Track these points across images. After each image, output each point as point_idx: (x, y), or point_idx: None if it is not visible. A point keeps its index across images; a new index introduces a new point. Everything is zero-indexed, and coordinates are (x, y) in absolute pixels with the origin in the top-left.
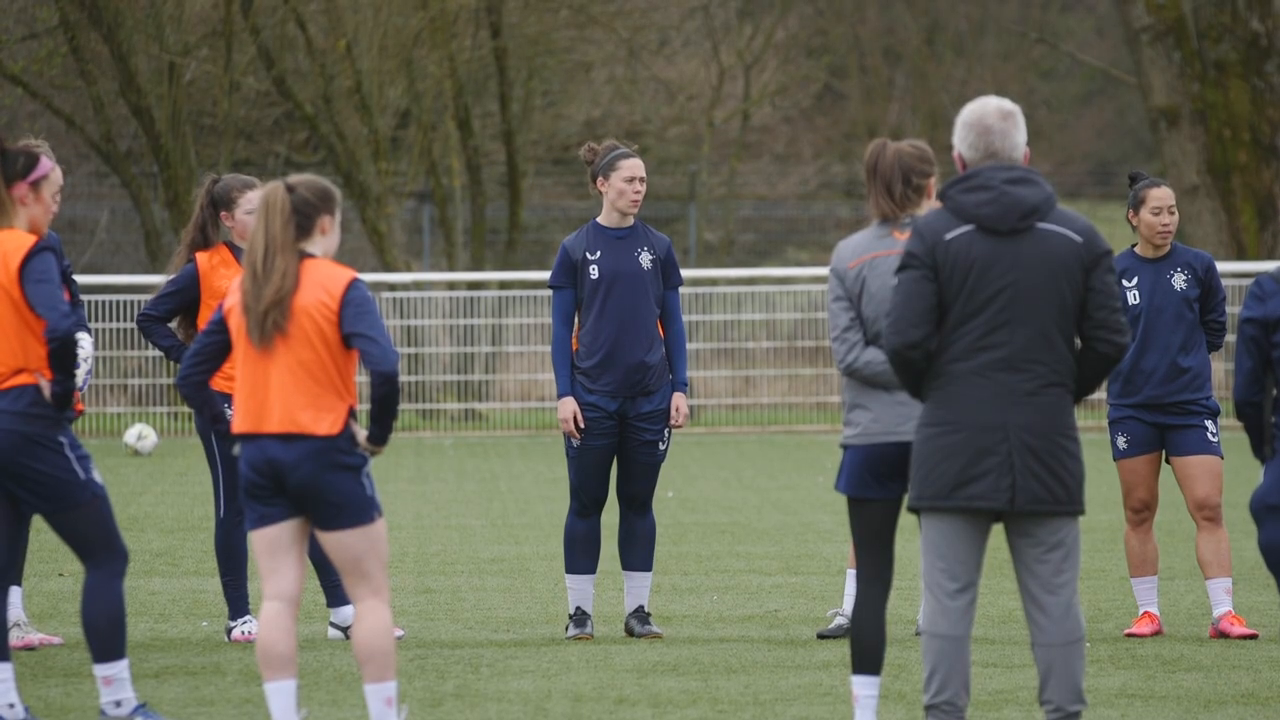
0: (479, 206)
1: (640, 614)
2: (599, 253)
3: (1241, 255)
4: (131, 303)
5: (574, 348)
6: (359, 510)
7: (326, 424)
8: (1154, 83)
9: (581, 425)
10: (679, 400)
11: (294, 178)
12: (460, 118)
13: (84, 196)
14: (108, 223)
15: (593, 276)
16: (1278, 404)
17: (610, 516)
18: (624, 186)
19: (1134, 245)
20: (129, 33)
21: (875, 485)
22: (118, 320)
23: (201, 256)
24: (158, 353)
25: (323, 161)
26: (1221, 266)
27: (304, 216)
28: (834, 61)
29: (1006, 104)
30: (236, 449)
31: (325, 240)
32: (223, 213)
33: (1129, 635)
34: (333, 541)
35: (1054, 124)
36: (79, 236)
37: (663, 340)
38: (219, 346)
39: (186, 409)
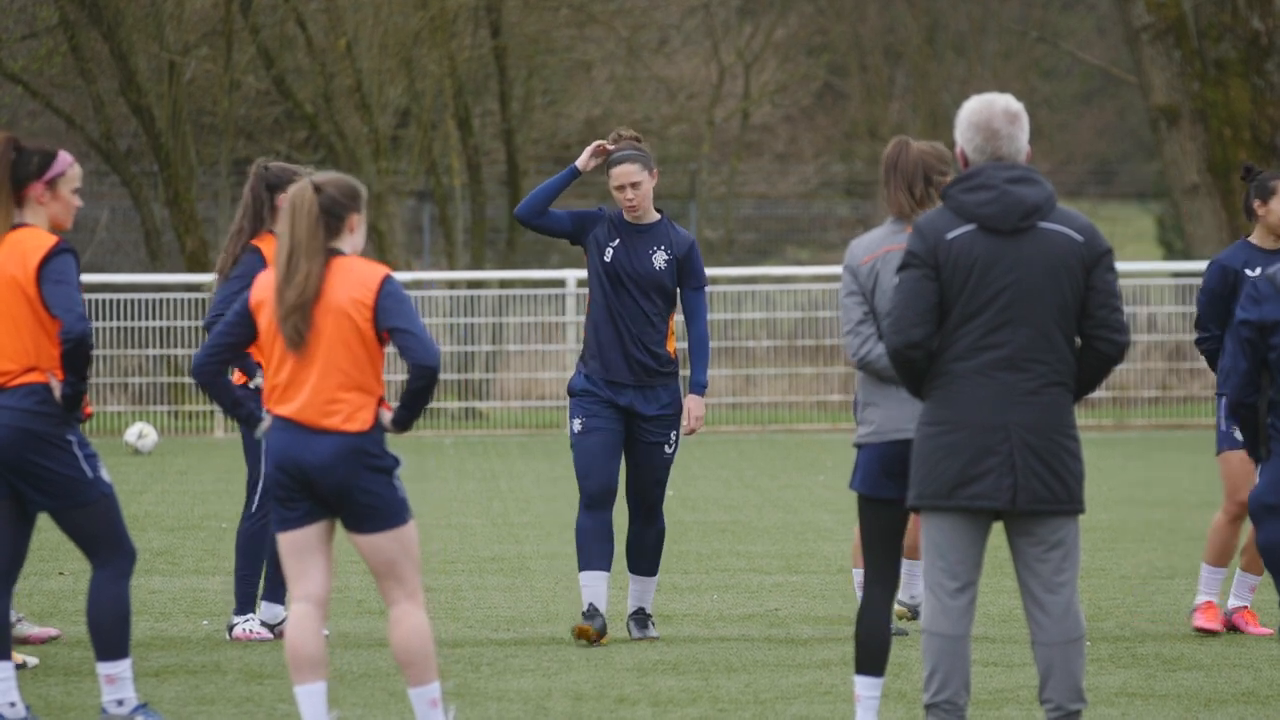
0: (479, 205)
1: (640, 616)
2: (618, 240)
3: None
4: (131, 302)
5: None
6: (392, 513)
7: (358, 421)
8: (1154, 82)
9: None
10: (692, 403)
11: (320, 176)
12: (460, 116)
13: (84, 195)
14: (108, 221)
15: (605, 259)
16: (1274, 405)
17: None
18: (617, 194)
19: (1248, 236)
20: (129, 31)
21: (888, 484)
22: (118, 319)
23: (265, 245)
24: (157, 351)
25: (323, 160)
26: None
27: (333, 216)
28: (834, 60)
29: (1012, 105)
30: (261, 429)
31: (354, 238)
32: (279, 197)
33: (1200, 630)
34: (366, 545)
35: (1054, 123)
36: (79, 235)
37: (664, 340)
38: (241, 340)
39: (187, 408)
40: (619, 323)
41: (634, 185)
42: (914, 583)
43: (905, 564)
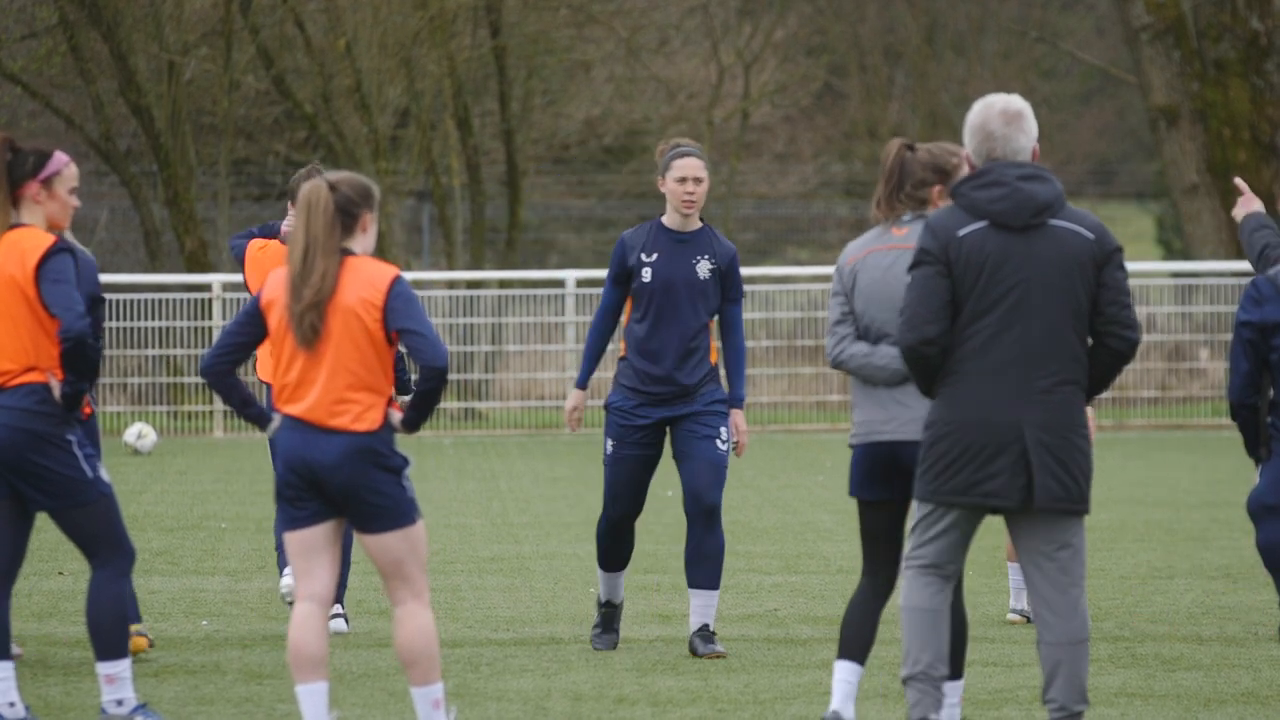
0: (478, 205)
1: (705, 632)
2: (656, 255)
3: (1241, 255)
4: (131, 302)
5: (622, 352)
6: (401, 512)
7: (367, 421)
8: (1154, 82)
9: (577, 422)
10: (736, 417)
11: (334, 175)
12: (460, 117)
13: (83, 195)
14: (107, 221)
15: (645, 279)
16: (1274, 406)
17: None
18: (676, 187)
19: None
20: (128, 31)
21: (870, 486)
22: (117, 319)
23: None
24: (156, 352)
25: (322, 160)
26: (1221, 266)
27: (347, 215)
28: (834, 60)
29: (1013, 104)
30: (271, 428)
31: (365, 238)
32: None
33: None
34: (374, 544)
35: (1054, 123)
36: (78, 235)
37: (708, 351)
38: (251, 338)
39: (186, 408)
40: (661, 335)
41: (697, 180)
42: (1022, 595)
43: (1011, 569)
